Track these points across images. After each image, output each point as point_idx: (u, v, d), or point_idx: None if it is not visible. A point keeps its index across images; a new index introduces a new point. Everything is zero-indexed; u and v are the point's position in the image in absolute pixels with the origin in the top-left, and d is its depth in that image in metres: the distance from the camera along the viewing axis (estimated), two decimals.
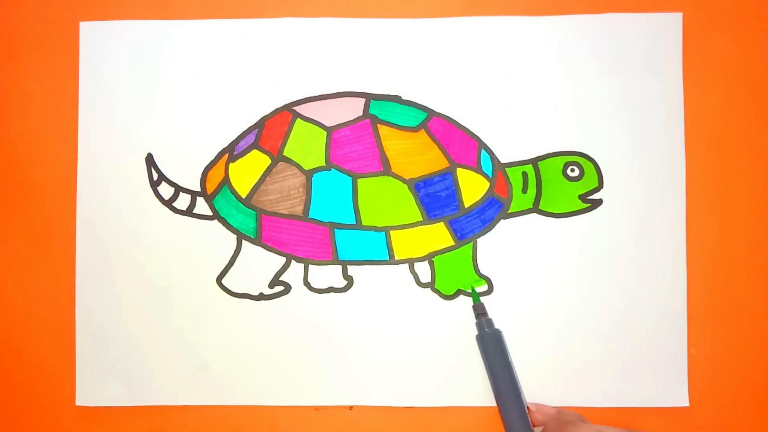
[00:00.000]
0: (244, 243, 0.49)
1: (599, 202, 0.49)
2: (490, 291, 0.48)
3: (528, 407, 0.44)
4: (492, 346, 0.45)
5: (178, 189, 0.49)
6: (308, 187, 0.49)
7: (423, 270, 0.49)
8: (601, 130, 0.49)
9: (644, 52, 0.49)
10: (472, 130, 0.49)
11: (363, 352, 0.48)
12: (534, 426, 0.44)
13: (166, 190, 0.49)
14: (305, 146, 0.49)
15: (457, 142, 0.49)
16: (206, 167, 0.50)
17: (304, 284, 0.49)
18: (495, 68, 0.49)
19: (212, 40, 0.50)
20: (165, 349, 0.49)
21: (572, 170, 0.48)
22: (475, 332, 0.47)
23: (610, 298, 0.48)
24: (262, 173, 0.49)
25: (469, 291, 0.48)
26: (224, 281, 0.49)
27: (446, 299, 0.48)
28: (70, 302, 0.49)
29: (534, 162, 0.49)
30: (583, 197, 0.48)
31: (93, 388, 0.49)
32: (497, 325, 0.47)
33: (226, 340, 0.49)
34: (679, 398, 0.48)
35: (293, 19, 0.50)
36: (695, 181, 0.49)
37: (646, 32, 0.49)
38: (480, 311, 0.47)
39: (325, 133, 0.49)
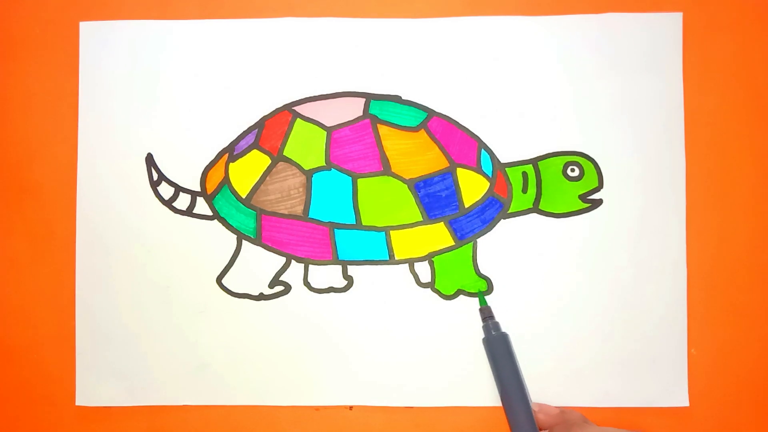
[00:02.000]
0: (244, 243, 0.49)
1: (599, 202, 0.49)
2: (490, 291, 0.48)
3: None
4: (499, 349, 0.45)
5: (178, 189, 0.49)
6: (308, 187, 0.49)
7: (423, 270, 0.49)
8: (601, 130, 0.49)
9: (644, 52, 0.49)
10: (472, 130, 0.49)
11: (363, 352, 0.48)
12: (540, 429, 0.44)
13: (166, 190, 0.49)
14: (305, 146, 0.49)
15: (457, 142, 0.49)
16: (206, 167, 0.50)
17: (304, 284, 0.49)
18: (495, 68, 0.49)
19: (212, 40, 0.50)
20: (165, 349, 0.49)
21: (572, 170, 0.48)
22: (480, 335, 0.47)
23: (610, 298, 0.48)
24: (262, 173, 0.49)
25: (470, 291, 0.48)
26: (224, 281, 0.49)
27: (446, 299, 0.48)
28: (70, 302, 0.49)
29: (534, 162, 0.49)
30: (583, 197, 0.48)
31: (93, 388, 0.49)
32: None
33: (226, 340, 0.49)
34: (679, 398, 0.48)
35: (293, 19, 0.50)
36: (695, 181, 0.49)
37: (646, 32, 0.49)
38: (487, 314, 0.47)
39: (325, 133, 0.49)
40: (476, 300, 0.48)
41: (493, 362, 0.45)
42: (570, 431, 0.42)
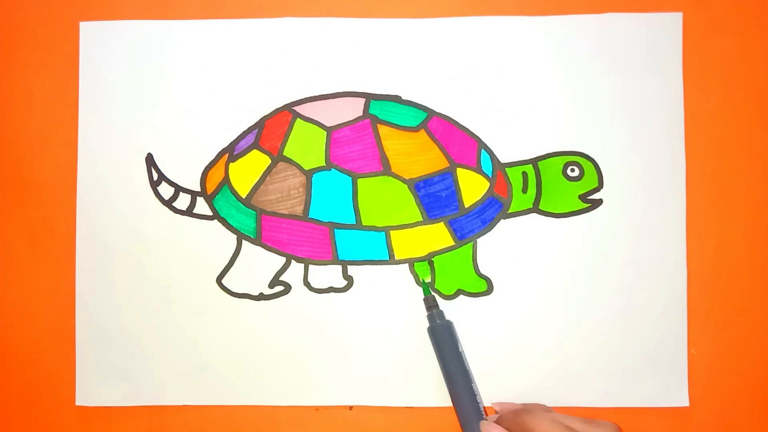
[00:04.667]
0: (244, 243, 0.49)
1: (599, 202, 0.49)
2: (490, 291, 0.48)
3: (491, 407, 0.46)
4: (443, 337, 0.46)
5: (178, 189, 0.49)
6: (308, 187, 0.49)
7: (423, 270, 0.49)
8: (601, 130, 0.49)
9: (644, 52, 0.49)
10: (472, 130, 0.49)
11: (363, 352, 0.48)
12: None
13: (166, 190, 0.49)
14: (305, 146, 0.49)
15: (457, 142, 0.49)
16: (206, 167, 0.50)
17: (304, 284, 0.49)
18: (495, 68, 0.49)
19: (212, 40, 0.50)
20: (165, 349, 0.49)
21: (572, 170, 0.48)
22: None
23: (610, 299, 0.48)
24: (262, 173, 0.49)
25: (470, 291, 0.48)
26: (224, 281, 0.49)
27: (446, 299, 0.48)
28: (70, 302, 0.49)
29: (534, 162, 0.49)
30: (583, 197, 0.48)
31: (93, 388, 0.49)
32: (497, 325, 0.48)
33: (226, 340, 0.49)
34: (679, 398, 0.48)
35: (293, 19, 0.50)
36: (695, 181, 0.49)
37: (646, 32, 0.49)
38: (431, 303, 0.47)
39: (325, 133, 0.49)
40: (477, 300, 0.48)
41: (438, 350, 0.46)
42: (518, 417, 0.41)
